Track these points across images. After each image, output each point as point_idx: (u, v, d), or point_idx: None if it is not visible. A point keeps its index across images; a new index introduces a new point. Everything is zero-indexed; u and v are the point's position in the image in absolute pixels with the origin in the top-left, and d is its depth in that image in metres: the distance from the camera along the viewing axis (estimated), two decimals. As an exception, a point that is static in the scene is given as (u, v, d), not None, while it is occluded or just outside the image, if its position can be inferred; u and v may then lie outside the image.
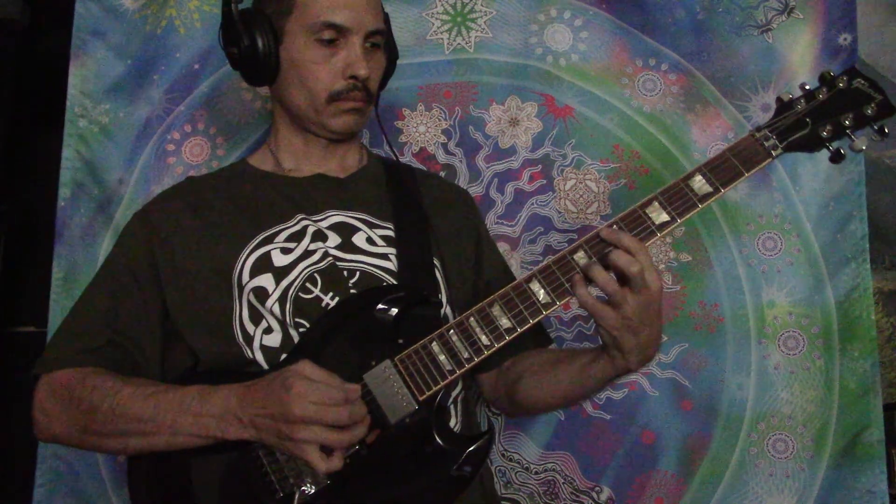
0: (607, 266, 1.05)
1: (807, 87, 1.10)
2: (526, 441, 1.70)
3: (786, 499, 1.67)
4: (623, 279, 1.04)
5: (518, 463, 1.70)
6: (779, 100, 1.12)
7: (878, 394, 1.69)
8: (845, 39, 1.76)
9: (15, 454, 1.86)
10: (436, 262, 1.25)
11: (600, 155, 1.77)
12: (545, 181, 1.76)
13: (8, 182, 1.98)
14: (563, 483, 1.69)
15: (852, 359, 1.70)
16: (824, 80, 1.10)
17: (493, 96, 1.78)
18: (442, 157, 1.76)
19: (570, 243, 1.72)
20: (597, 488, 1.68)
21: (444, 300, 1.24)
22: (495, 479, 1.68)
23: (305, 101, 1.24)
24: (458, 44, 1.80)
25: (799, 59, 1.77)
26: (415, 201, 1.30)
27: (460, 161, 1.76)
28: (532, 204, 1.75)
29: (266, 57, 1.22)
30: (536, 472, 1.70)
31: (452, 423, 1.22)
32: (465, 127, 1.77)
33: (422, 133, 1.77)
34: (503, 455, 1.70)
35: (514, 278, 1.40)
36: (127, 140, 1.75)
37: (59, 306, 1.68)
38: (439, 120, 1.78)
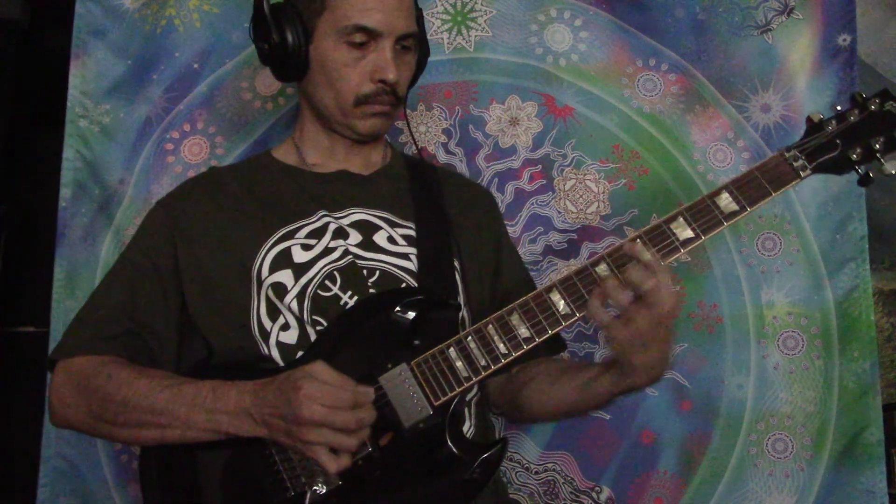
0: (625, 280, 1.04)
1: (838, 108, 1.08)
2: (526, 441, 1.71)
3: (785, 499, 1.68)
4: (638, 295, 1.03)
5: (518, 463, 1.70)
6: (809, 119, 1.09)
7: (877, 394, 1.70)
8: (845, 40, 1.76)
9: (18, 453, 1.87)
10: (456, 263, 1.25)
11: (600, 155, 1.77)
12: (545, 181, 1.76)
13: (8, 182, 1.98)
14: (563, 483, 1.69)
15: (852, 359, 1.70)
16: (856, 101, 1.08)
17: (494, 96, 1.78)
18: (442, 156, 1.76)
19: (569, 243, 1.75)
20: (597, 488, 1.69)
21: (462, 303, 1.23)
22: (495, 479, 1.69)
23: (333, 102, 1.23)
24: (459, 43, 1.80)
25: (798, 60, 1.77)
26: (437, 201, 1.30)
27: (460, 161, 1.76)
28: (532, 204, 1.76)
29: (295, 54, 1.21)
30: (536, 472, 1.70)
31: (466, 426, 1.21)
32: (465, 126, 1.77)
33: (422, 133, 1.77)
34: (503, 455, 1.71)
35: (534, 286, 1.39)
36: (127, 140, 1.75)
37: (61, 307, 1.68)
38: (439, 119, 1.78)
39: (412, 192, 1.30)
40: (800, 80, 1.76)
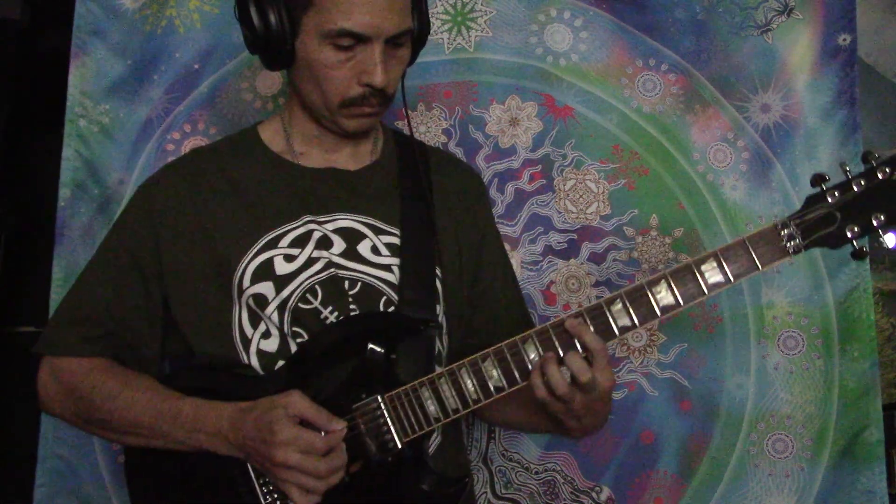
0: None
1: (847, 171, 1.02)
2: (526, 441, 1.70)
3: (785, 499, 1.68)
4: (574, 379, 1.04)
5: (518, 463, 1.70)
6: (815, 180, 1.03)
7: (877, 394, 1.70)
8: (845, 40, 1.76)
9: (15, 454, 1.87)
10: (438, 272, 1.24)
11: (600, 155, 1.77)
12: (545, 181, 1.76)
13: (8, 182, 1.98)
14: (563, 483, 1.69)
15: (852, 359, 1.70)
16: (867, 161, 1.02)
17: (494, 96, 1.78)
18: (442, 157, 1.76)
19: (569, 243, 1.75)
20: (597, 488, 1.69)
21: (440, 312, 1.23)
22: (495, 479, 1.69)
23: (319, 100, 1.19)
24: (458, 43, 1.80)
25: (799, 60, 1.77)
26: (425, 201, 1.27)
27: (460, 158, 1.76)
28: (532, 204, 1.76)
29: (280, 46, 1.16)
30: (536, 472, 1.70)
31: (434, 436, 1.22)
32: (465, 126, 1.77)
33: (422, 133, 1.77)
34: (503, 455, 1.70)
35: (515, 281, 1.42)
36: (127, 140, 1.75)
37: (60, 307, 1.68)
38: (439, 120, 1.78)
39: (400, 188, 1.28)
40: (800, 80, 1.76)
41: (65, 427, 1.65)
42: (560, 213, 1.75)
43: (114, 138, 1.74)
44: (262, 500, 1.11)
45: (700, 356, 1.71)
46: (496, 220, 1.71)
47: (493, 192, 1.74)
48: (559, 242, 1.75)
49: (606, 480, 1.69)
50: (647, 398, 1.70)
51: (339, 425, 1.06)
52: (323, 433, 1.06)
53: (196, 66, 1.77)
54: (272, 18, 1.14)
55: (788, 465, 1.69)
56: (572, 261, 1.74)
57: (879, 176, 1.01)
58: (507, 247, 1.70)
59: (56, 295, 1.69)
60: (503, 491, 1.69)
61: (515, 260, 1.72)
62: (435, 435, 1.23)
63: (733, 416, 1.70)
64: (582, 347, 1.04)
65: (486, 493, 1.69)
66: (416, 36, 1.22)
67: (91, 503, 1.67)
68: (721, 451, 1.69)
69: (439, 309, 1.23)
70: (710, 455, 1.69)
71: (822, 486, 1.67)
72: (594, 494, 1.69)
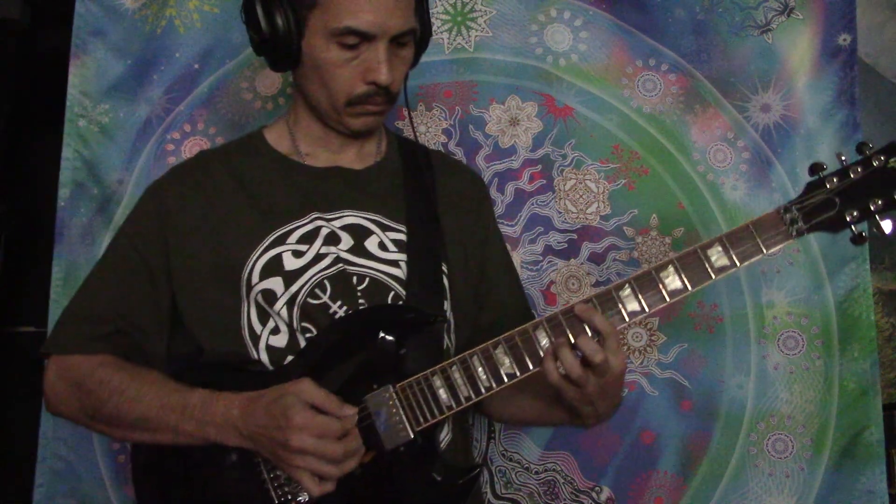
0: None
1: (843, 159, 1.06)
2: (526, 441, 1.70)
3: (785, 499, 1.68)
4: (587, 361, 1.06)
5: (518, 463, 1.70)
6: (813, 168, 1.07)
7: (877, 394, 1.69)
8: (845, 40, 1.76)
9: (15, 454, 1.87)
10: (444, 268, 1.25)
11: (600, 155, 1.77)
12: (545, 181, 1.76)
13: (8, 182, 1.98)
14: (563, 483, 1.69)
15: (852, 359, 1.70)
16: (861, 152, 1.06)
17: (494, 96, 1.78)
18: (442, 157, 1.76)
19: (569, 243, 1.75)
20: (597, 488, 1.69)
21: (448, 308, 1.24)
22: (495, 479, 1.69)
23: (325, 100, 1.20)
24: (458, 43, 1.80)
25: (799, 60, 1.77)
26: (429, 199, 1.29)
27: (460, 160, 1.76)
28: (532, 204, 1.76)
29: (286, 47, 1.17)
30: (536, 472, 1.70)
31: (444, 432, 1.22)
32: (465, 126, 1.77)
33: (422, 133, 1.77)
34: (503, 455, 1.70)
35: (518, 282, 1.42)
36: (127, 140, 1.75)
37: (59, 307, 1.67)
38: (439, 120, 1.78)
39: (405, 188, 1.29)
40: (800, 80, 1.76)
41: (65, 427, 1.65)
42: (560, 213, 1.75)
43: (113, 138, 1.75)
44: (273, 495, 1.10)
45: (700, 356, 1.71)
46: (496, 220, 1.71)
47: (493, 192, 1.74)
48: (559, 242, 1.75)
49: (606, 480, 1.69)
50: (648, 398, 1.70)
51: (351, 411, 1.06)
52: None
53: (196, 66, 1.77)
54: (279, 20, 1.15)
55: (788, 465, 1.69)
56: (572, 261, 1.74)
57: (875, 164, 1.04)
58: (507, 247, 1.71)
59: (56, 295, 1.69)
60: (503, 491, 1.69)
61: (516, 260, 1.71)
62: (446, 431, 1.23)
63: (733, 416, 1.70)
64: (592, 331, 1.06)
65: (486, 493, 1.69)
66: (419, 38, 1.24)
67: (91, 503, 1.67)
68: (721, 451, 1.69)
69: (446, 304, 1.24)
70: (710, 455, 1.69)
71: (822, 486, 1.67)
72: (594, 494, 1.69)
